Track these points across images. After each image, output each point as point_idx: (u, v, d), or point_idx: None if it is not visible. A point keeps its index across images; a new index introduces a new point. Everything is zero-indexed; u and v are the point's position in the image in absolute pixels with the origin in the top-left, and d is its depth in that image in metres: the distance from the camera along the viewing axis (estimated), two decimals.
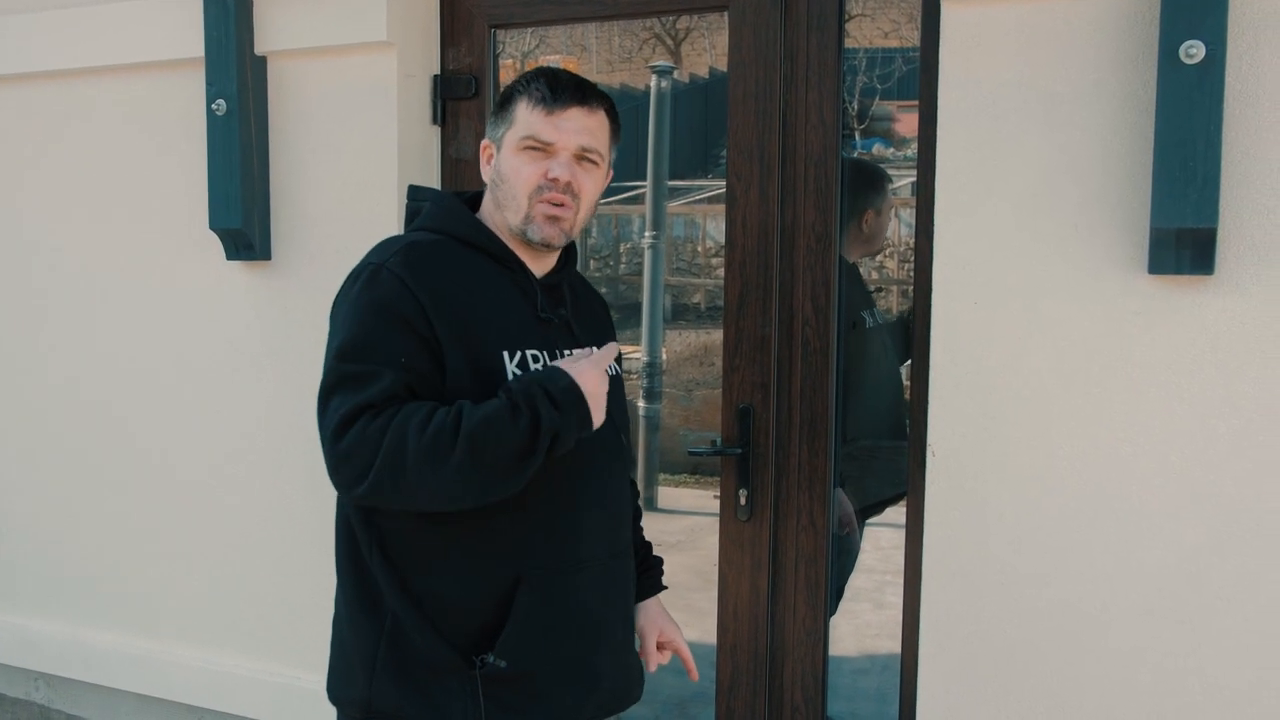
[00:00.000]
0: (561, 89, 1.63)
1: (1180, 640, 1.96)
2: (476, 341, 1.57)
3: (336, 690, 1.69)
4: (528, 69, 1.72)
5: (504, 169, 1.65)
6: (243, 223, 2.68)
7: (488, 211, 1.71)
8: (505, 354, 1.59)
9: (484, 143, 1.71)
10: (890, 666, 2.45)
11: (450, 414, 1.48)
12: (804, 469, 2.35)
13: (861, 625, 3.90)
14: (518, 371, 1.58)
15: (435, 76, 2.69)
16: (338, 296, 1.62)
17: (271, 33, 2.68)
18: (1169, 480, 1.95)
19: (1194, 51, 1.80)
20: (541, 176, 1.62)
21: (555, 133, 1.62)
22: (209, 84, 2.68)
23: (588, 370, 1.55)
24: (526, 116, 1.63)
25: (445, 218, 1.69)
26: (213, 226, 2.73)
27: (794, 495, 2.37)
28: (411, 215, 1.76)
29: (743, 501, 2.38)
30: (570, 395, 1.52)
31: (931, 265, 2.10)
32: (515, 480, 1.50)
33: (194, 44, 2.72)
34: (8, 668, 3.33)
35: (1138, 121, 1.92)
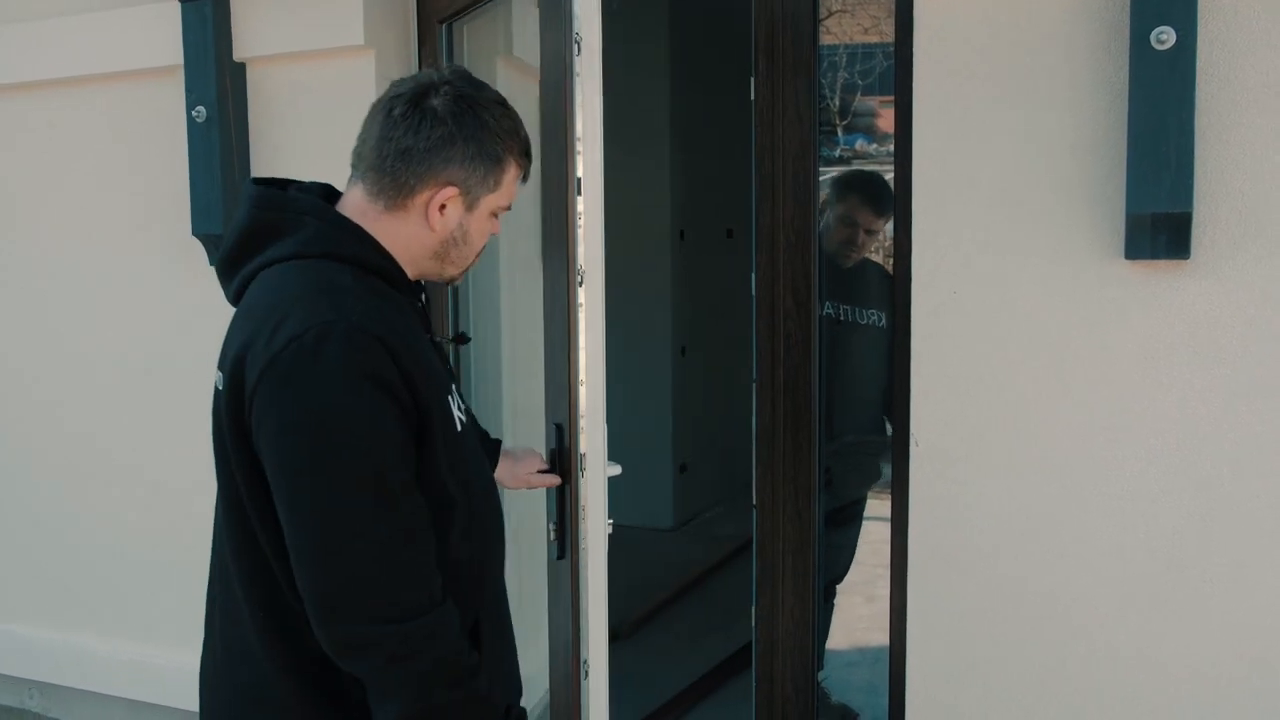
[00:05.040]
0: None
1: (1161, 624, 1.97)
2: (433, 391, 1.39)
3: None
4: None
5: (473, 232, 1.49)
6: (224, 228, 2.68)
7: (386, 236, 1.45)
8: (449, 399, 1.46)
9: (449, 191, 1.43)
10: (881, 659, 2.46)
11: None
12: (789, 461, 2.36)
13: (852, 618, 3.90)
14: (460, 416, 1.48)
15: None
16: (291, 368, 1.29)
17: (250, 39, 2.69)
18: (1148, 465, 1.96)
19: (1165, 38, 1.82)
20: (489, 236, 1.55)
21: None
22: (188, 91, 2.69)
23: None
24: (510, 187, 1.51)
25: (348, 242, 1.42)
26: (195, 233, 2.73)
27: (780, 488, 2.38)
28: (270, 228, 1.43)
29: None
30: None
31: (910, 256, 2.11)
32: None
33: (173, 52, 2.72)
34: (1, 676, 3.33)
35: (1111, 108, 1.94)
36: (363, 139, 1.47)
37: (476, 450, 1.56)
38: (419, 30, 2.69)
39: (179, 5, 2.67)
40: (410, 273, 1.49)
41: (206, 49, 2.65)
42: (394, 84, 1.47)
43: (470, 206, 1.47)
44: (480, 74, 2.74)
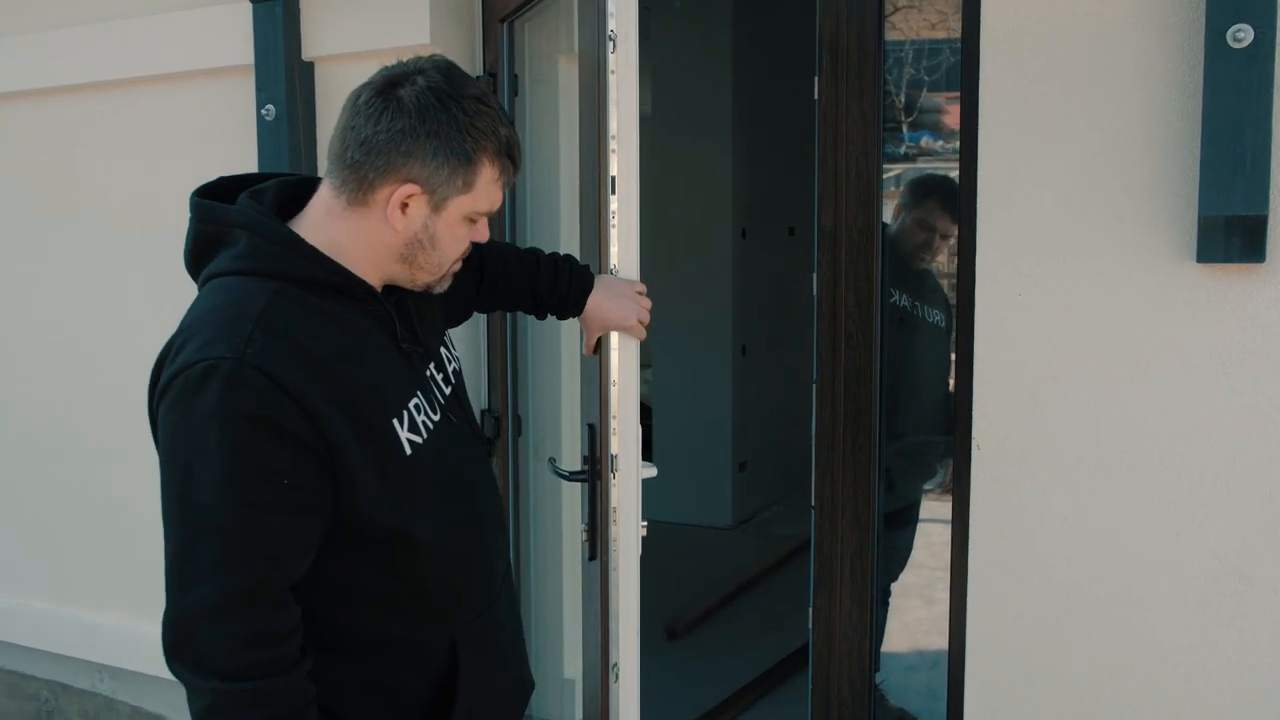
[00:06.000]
0: (520, 156, 1.43)
1: (1232, 636, 1.93)
2: (367, 423, 1.32)
3: None
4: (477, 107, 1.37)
5: (442, 238, 1.39)
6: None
7: (348, 235, 1.37)
8: (395, 423, 1.37)
9: (409, 189, 1.33)
10: (941, 662, 2.44)
11: None
12: (849, 463, 2.35)
13: (911, 621, 3.87)
14: (412, 438, 1.38)
15: (477, 78, 2.72)
16: (176, 398, 1.28)
17: (318, 39, 2.74)
18: (1219, 472, 1.92)
19: (1242, 36, 1.77)
20: (469, 242, 1.44)
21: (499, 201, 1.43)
22: (259, 90, 2.75)
23: None
24: (489, 189, 1.39)
25: (281, 257, 1.33)
26: None
27: (839, 489, 2.36)
28: (212, 240, 1.37)
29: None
30: None
31: (974, 257, 2.08)
32: None
33: (244, 51, 2.78)
34: (73, 660, 3.43)
35: (1184, 108, 1.89)
36: (335, 129, 1.39)
37: (446, 461, 1.46)
38: (487, 29, 2.72)
39: (250, 6, 2.73)
40: (375, 277, 1.40)
41: (276, 48, 2.70)
42: (378, 71, 1.39)
43: (437, 208, 1.37)
44: (541, 73, 2.80)
